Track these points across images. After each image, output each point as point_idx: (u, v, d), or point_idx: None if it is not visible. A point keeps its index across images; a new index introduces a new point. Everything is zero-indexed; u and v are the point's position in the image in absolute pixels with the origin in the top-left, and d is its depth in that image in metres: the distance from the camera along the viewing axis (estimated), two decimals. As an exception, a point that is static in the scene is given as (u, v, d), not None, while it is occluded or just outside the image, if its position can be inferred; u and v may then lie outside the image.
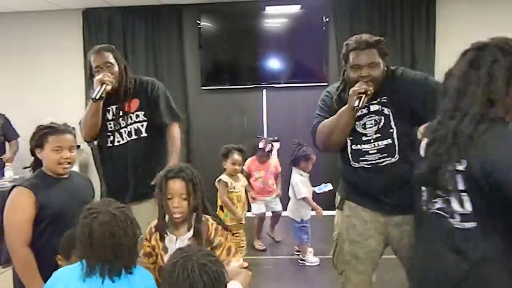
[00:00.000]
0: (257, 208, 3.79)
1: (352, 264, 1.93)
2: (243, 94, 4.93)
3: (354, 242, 1.91)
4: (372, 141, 1.84)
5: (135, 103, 2.35)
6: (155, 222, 1.72)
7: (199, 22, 4.78)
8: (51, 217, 1.78)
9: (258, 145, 3.76)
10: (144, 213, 2.07)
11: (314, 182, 3.59)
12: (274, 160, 3.94)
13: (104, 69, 2.26)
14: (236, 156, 3.18)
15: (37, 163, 1.91)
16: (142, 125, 2.34)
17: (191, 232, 1.68)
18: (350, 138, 1.88)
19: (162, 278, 1.36)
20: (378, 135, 1.84)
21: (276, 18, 4.86)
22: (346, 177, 2.00)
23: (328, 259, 2.72)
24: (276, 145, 4.56)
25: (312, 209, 3.46)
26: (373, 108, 1.86)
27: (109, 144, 2.33)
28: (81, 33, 4.98)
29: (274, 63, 4.87)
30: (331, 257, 2.06)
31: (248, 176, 3.72)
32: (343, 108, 1.82)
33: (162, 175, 1.67)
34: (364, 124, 1.86)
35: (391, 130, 1.83)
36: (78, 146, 4.88)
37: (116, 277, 1.40)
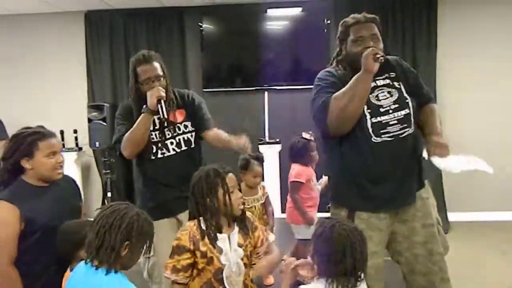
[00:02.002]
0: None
1: (372, 275, 1.81)
2: (245, 96, 4.94)
3: (373, 254, 1.77)
4: (390, 111, 1.81)
5: (181, 113, 2.28)
6: (188, 231, 1.64)
7: (201, 24, 4.79)
8: (41, 230, 1.66)
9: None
10: None
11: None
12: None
13: (155, 82, 2.15)
14: (258, 168, 2.88)
15: (9, 176, 1.72)
16: (191, 135, 2.28)
17: (236, 227, 1.70)
18: (368, 110, 1.79)
19: (318, 245, 1.44)
20: (396, 105, 1.82)
21: (277, 20, 4.86)
22: (352, 164, 1.84)
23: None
24: (277, 147, 4.57)
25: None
26: (380, 82, 1.86)
27: (152, 157, 2.21)
28: (83, 35, 4.98)
29: (275, 65, 4.87)
30: None
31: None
32: (358, 74, 1.75)
33: (219, 171, 1.65)
34: (377, 96, 1.83)
35: (407, 101, 1.84)
36: (80, 148, 4.93)
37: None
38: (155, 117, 2.18)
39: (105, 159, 4.73)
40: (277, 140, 4.63)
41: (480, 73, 4.64)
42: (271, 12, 4.81)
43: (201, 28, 4.80)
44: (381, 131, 1.79)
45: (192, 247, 1.62)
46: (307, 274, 1.55)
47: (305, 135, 3.23)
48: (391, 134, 1.79)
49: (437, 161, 1.72)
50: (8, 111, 5.02)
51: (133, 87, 2.20)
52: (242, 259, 1.69)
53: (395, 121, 1.80)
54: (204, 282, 1.64)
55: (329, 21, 4.73)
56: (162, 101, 2.09)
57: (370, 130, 1.79)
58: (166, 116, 2.10)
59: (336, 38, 2.02)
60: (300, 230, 3.12)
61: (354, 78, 1.76)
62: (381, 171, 1.81)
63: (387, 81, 1.86)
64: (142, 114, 2.11)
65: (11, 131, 5.02)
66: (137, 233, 1.39)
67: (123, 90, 4.99)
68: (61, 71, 5.08)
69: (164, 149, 2.21)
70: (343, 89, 1.78)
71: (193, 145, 2.28)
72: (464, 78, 4.66)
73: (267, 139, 4.76)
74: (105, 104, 4.67)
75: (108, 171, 4.73)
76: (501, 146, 4.61)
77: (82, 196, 2.02)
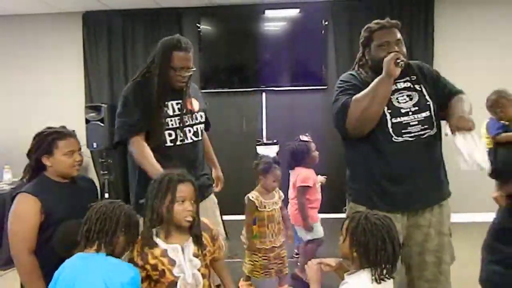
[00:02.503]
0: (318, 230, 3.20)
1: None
2: (243, 97, 4.94)
3: None
4: (410, 113, 1.84)
5: (196, 103, 2.22)
6: (136, 246, 1.59)
7: (198, 25, 4.79)
8: (59, 224, 1.75)
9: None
10: (208, 211, 2.11)
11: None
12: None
13: (187, 72, 2.09)
14: (278, 172, 2.80)
15: (33, 172, 1.86)
16: (201, 127, 2.25)
17: (190, 238, 1.64)
18: (389, 111, 1.83)
19: (354, 235, 1.43)
20: (416, 108, 1.84)
21: (275, 21, 4.87)
22: (370, 164, 1.86)
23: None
24: (275, 148, 4.58)
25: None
26: (400, 85, 1.89)
27: (169, 144, 2.10)
28: (80, 36, 4.97)
29: (273, 67, 4.87)
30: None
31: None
32: (379, 77, 1.80)
33: (172, 178, 1.59)
34: (397, 99, 1.86)
35: (428, 103, 1.87)
36: (80, 149, 4.90)
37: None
38: (174, 102, 2.11)
39: (103, 160, 4.72)
40: (275, 141, 4.63)
41: (477, 72, 4.66)
42: (268, 13, 4.82)
43: (199, 29, 4.80)
44: (403, 131, 1.82)
45: (141, 262, 1.57)
46: (330, 269, 1.58)
47: (303, 137, 3.24)
48: (413, 134, 1.83)
49: (459, 141, 1.69)
50: (5, 111, 5.02)
51: (161, 67, 2.07)
52: (199, 270, 1.63)
53: (416, 122, 1.83)
54: None
55: (326, 22, 4.73)
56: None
57: (391, 130, 1.82)
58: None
59: (359, 43, 2.03)
60: (301, 231, 3.15)
61: (375, 81, 1.80)
62: (401, 170, 1.83)
63: (408, 84, 1.89)
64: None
65: (8, 131, 5.05)
66: (133, 224, 1.57)
67: (121, 90, 4.95)
68: (58, 72, 5.07)
69: (183, 136, 2.12)
70: (364, 91, 1.82)
71: (200, 137, 2.24)
72: (461, 77, 4.60)
73: (264, 140, 4.76)
74: (103, 105, 4.66)
75: (106, 172, 4.72)
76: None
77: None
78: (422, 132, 1.83)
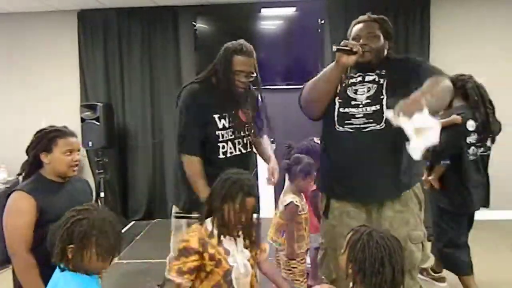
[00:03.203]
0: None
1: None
2: (239, 96, 4.93)
3: None
4: (361, 105, 1.84)
5: (246, 113, 2.21)
6: (197, 233, 1.65)
7: (194, 23, 4.78)
8: (53, 221, 1.71)
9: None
10: None
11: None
12: None
13: (247, 77, 2.11)
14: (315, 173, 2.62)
15: (30, 169, 1.87)
16: (250, 138, 2.22)
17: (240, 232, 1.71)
18: (340, 101, 1.88)
19: (352, 251, 1.36)
20: (368, 100, 1.85)
21: (271, 20, 4.87)
22: (328, 150, 1.95)
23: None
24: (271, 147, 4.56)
25: None
26: (368, 78, 1.89)
27: (221, 156, 2.11)
28: (76, 34, 4.95)
29: (269, 65, 4.87)
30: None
31: None
32: (331, 64, 1.85)
33: (242, 192, 1.62)
34: (356, 90, 1.88)
35: (382, 97, 1.84)
36: (79, 150, 4.88)
37: None
38: (227, 114, 2.10)
39: (98, 159, 4.70)
40: (271, 139, 4.62)
41: (473, 70, 4.66)
42: (265, 11, 4.82)
43: (195, 28, 4.79)
44: (346, 122, 1.85)
45: (201, 249, 1.62)
46: None
47: (316, 139, 3.08)
48: (354, 126, 1.83)
49: (405, 123, 1.44)
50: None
51: (221, 72, 2.09)
52: (248, 260, 1.71)
53: (361, 115, 1.83)
54: (213, 284, 1.64)
55: (323, 21, 4.74)
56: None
57: (336, 119, 1.87)
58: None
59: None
60: (315, 238, 2.85)
61: (326, 67, 1.87)
62: (344, 161, 1.86)
63: (374, 77, 1.88)
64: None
65: (3, 130, 5.02)
66: (79, 239, 1.41)
67: (117, 89, 4.97)
68: (53, 70, 5.04)
69: (233, 148, 2.14)
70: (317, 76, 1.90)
71: (249, 149, 2.23)
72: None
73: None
74: (98, 103, 4.64)
75: (102, 171, 4.71)
76: (497, 144, 4.63)
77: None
78: (364, 125, 1.82)
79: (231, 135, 2.13)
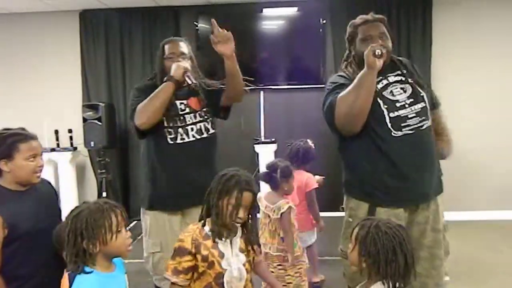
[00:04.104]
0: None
1: None
2: (240, 96, 4.92)
3: None
4: (407, 106, 1.83)
5: (199, 100, 2.27)
6: (191, 234, 1.63)
7: (196, 23, 4.77)
8: (27, 235, 1.62)
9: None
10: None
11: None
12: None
13: (179, 57, 2.23)
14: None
15: None
16: (208, 122, 2.27)
17: (240, 231, 1.69)
18: (385, 106, 1.82)
19: (363, 246, 1.38)
20: (411, 99, 1.84)
21: (273, 20, 4.86)
22: (381, 159, 1.83)
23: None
24: (273, 147, 4.57)
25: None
26: (391, 79, 1.89)
27: (170, 142, 2.15)
28: (78, 34, 4.95)
29: (271, 65, 4.87)
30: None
31: None
32: (362, 71, 1.77)
33: (239, 186, 1.60)
34: (391, 92, 1.86)
35: (421, 94, 1.88)
36: (75, 148, 4.91)
37: None
38: (178, 102, 2.19)
39: (100, 159, 4.71)
40: (273, 139, 4.63)
41: (475, 71, 4.67)
42: (266, 11, 4.81)
43: (197, 28, 4.78)
44: (402, 125, 1.82)
45: (193, 250, 1.61)
46: None
47: (309, 140, 3.14)
48: (412, 127, 1.82)
49: None
50: (1, 110, 4.99)
51: (159, 63, 2.27)
52: (244, 265, 1.68)
53: (414, 114, 1.83)
54: (204, 285, 1.63)
55: (324, 21, 4.74)
56: (188, 73, 2.13)
57: (390, 125, 1.81)
58: (194, 82, 2.12)
59: (345, 39, 2.04)
60: (308, 236, 2.99)
61: (359, 75, 1.78)
62: (403, 165, 1.82)
63: (400, 77, 1.90)
64: (165, 83, 2.10)
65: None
66: (88, 230, 1.36)
67: (118, 89, 4.97)
68: (55, 70, 5.05)
69: (185, 134, 2.18)
70: (349, 87, 1.79)
71: (211, 131, 2.27)
72: (459, 77, 4.68)
73: (262, 139, 4.76)
74: (100, 103, 4.64)
75: (104, 171, 4.71)
76: (496, 144, 4.63)
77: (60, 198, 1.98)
78: (420, 124, 1.83)
79: (181, 122, 2.19)
